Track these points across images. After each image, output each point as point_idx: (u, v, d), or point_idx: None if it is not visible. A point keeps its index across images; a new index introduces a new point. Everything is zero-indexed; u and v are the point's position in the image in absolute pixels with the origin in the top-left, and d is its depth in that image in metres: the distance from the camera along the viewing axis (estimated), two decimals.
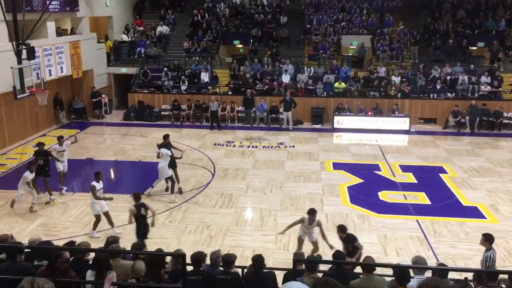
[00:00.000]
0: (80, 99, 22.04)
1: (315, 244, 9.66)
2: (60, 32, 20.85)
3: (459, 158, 16.83)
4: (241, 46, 26.09)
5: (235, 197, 13.23)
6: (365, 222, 11.73)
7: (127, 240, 8.70)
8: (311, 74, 22.75)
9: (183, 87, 22.70)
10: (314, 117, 21.39)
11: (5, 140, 17.60)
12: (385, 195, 13.53)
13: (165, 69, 23.13)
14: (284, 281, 6.00)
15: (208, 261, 6.48)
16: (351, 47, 25.18)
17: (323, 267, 6.89)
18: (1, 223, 11.53)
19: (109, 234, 9.38)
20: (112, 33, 25.36)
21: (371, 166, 16.08)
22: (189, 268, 6.23)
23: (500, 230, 11.36)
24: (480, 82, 21.66)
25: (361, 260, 8.24)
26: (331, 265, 7.04)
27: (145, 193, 13.04)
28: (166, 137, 13.94)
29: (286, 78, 22.41)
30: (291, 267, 6.39)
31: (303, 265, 6.31)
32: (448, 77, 21.97)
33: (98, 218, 11.02)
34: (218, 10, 27.12)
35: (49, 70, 18.62)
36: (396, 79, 21.85)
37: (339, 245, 8.83)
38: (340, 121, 20.68)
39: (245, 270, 6.71)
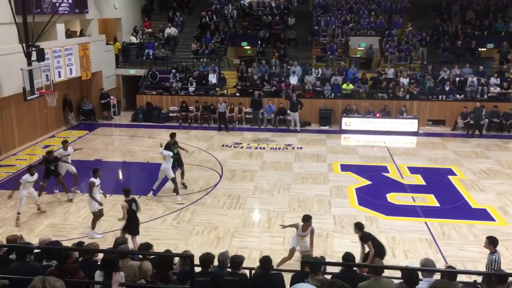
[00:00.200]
0: (89, 100, 22.19)
1: (306, 253, 9.25)
2: (69, 34, 21.00)
3: (468, 160, 16.72)
4: (249, 47, 26.12)
5: (243, 199, 13.24)
6: (373, 224, 11.68)
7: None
8: (319, 75, 22.72)
9: (191, 89, 22.76)
10: (322, 119, 21.37)
11: (15, 141, 17.74)
12: (393, 197, 13.47)
13: (173, 70, 23.21)
14: (292, 283, 5.99)
15: (216, 263, 6.49)
16: (359, 48, 25.12)
17: (332, 270, 6.88)
18: (10, 224, 11.62)
19: (117, 236, 9.42)
20: (121, 35, 25.49)
21: (379, 168, 16.02)
22: (197, 269, 6.24)
23: (509, 232, 11.30)
24: (489, 83, 21.52)
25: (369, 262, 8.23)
26: (341, 268, 7.02)
27: (147, 197, 13.13)
28: (172, 135, 14.04)
29: (293, 80, 22.40)
30: (298, 268, 6.39)
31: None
32: (457, 79, 21.85)
33: (95, 216, 11.10)
34: (226, 11, 27.18)
35: (59, 71, 18.74)
36: (404, 81, 21.76)
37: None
38: (348, 122, 20.63)
39: (253, 271, 6.72)
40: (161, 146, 14.01)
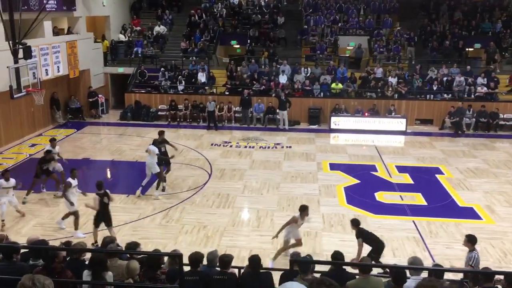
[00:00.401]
0: (76, 98, 22.00)
1: (299, 240, 9.87)
2: (57, 32, 20.81)
3: (455, 159, 16.88)
4: (238, 46, 26.09)
5: (232, 198, 13.23)
6: (362, 223, 11.65)
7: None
8: (308, 74, 22.77)
9: (180, 87, 22.68)
10: (311, 118, 21.42)
11: (1, 140, 17.52)
12: (382, 196, 13.55)
13: (162, 69, 23.11)
14: (281, 282, 6.00)
15: (205, 262, 6.48)
16: (348, 48, 25.23)
17: (322, 268, 6.89)
18: None
19: (105, 235, 9.36)
20: (109, 33, 25.31)
21: (367, 167, 16.11)
22: (186, 268, 6.22)
23: (496, 231, 11.43)
24: (477, 83, 21.74)
25: (358, 260, 8.28)
26: (330, 266, 7.05)
27: (136, 194, 13.09)
28: (161, 133, 14.07)
29: (283, 79, 22.43)
30: (287, 267, 6.40)
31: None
32: (445, 78, 22.04)
33: (76, 215, 11.04)
34: (215, 10, 27.12)
35: (46, 69, 18.56)
36: (393, 80, 21.89)
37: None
38: (337, 121, 20.71)
39: (242, 270, 6.72)
40: (153, 142, 13.99)
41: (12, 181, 11.43)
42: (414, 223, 11.80)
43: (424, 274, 6.35)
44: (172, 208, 12.50)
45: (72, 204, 10.99)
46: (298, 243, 9.86)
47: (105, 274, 5.56)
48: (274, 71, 23.06)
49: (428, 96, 21.79)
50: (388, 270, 7.44)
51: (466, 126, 20.55)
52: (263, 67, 23.61)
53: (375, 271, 7.48)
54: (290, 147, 18.23)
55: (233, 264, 6.50)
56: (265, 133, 20.23)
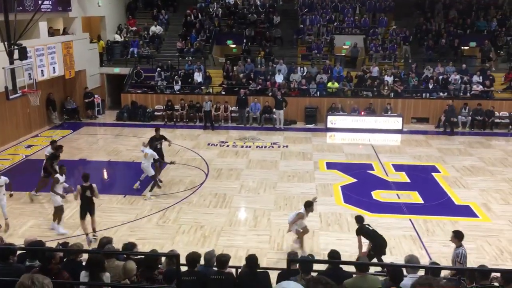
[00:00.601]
0: (72, 99, 21.94)
1: (305, 228, 10.21)
2: (52, 32, 20.75)
3: (451, 157, 16.93)
4: (234, 46, 26.08)
5: (229, 197, 13.23)
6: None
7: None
8: (304, 74, 22.79)
9: (176, 87, 22.65)
10: (308, 117, 21.43)
11: None
12: (378, 195, 13.58)
13: (158, 69, 23.08)
14: (278, 281, 6.01)
15: (202, 262, 6.48)
16: (344, 47, 25.26)
17: (319, 267, 6.91)
18: None
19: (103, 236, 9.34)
20: (105, 33, 25.25)
21: (364, 165, 16.13)
22: (183, 268, 6.23)
23: (492, 228, 11.47)
24: (472, 81, 21.80)
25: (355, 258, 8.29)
26: (327, 265, 7.06)
27: (143, 195, 13.14)
28: (157, 130, 14.34)
29: (279, 78, 22.43)
30: (285, 266, 6.41)
31: (297, 264, 6.34)
32: (440, 77, 22.09)
33: (61, 210, 11.12)
34: (211, 10, 27.09)
35: (41, 70, 18.51)
36: (389, 79, 21.94)
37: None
38: (333, 120, 20.73)
39: (239, 270, 6.72)
40: (143, 144, 13.97)
41: (3, 179, 11.10)
42: (411, 221, 11.82)
43: (421, 272, 6.37)
44: (169, 208, 12.49)
45: (62, 196, 11.20)
46: (305, 230, 10.25)
47: (103, 275, 5.55)
48: (270, 71, 23.06)
49: (424, 94, 21.84)
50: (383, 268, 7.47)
51: (462, 124, 20.62)
52: (259, 66, 23.61)
53: (373, 269, 7.51)
54: (286, 146, 18.24)
55: (230, 263, 6.50)
56: (262, 132, 20.24)
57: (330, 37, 25.19)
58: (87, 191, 10.50)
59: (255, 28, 25.63)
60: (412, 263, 6.50)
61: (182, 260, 6.14)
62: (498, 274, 6.05)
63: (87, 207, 10.64)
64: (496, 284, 5.98)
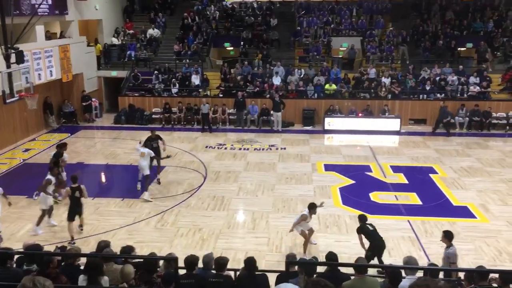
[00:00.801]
0: (70, 103, 21.92)
1: (310, 230, 10.42)
2: (49, 36, 20.73)
3: (449, 158, 16.95)
4: (231, 48, 26.10)
5: (227, 200, 13.22)
6: (357, 223, 11.72)
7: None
8: (302, 76, 22.82)
9: (174, 90, 22.65)
10: (305, 119, 21.45)
11: None
12: (377, 196, 13.59)
13: (156, 72, 23.08)
14: (276, 283, 6.01)
15: (200, 264, 6.48)
16: (341, 49, 25.31)
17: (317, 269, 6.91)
18: None
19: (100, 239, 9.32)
20: (102, 37, 25.24)
21: (362, 167, 16.14)
22: (182, 271, 6.22)
23: (491, 229, 11.48)
24: (469, 82, 21.86)
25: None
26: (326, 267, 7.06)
27: (141, 198, 13.12)
28: (153, 131, 14.49)
29: (277, 80, 22.45)
30: (283, 269, 6.40)
31: (296, 267, 6.33)
32: (437, 78, 22.15)
33: (44, 213, 11.25)
34: (208, 12, 27.12)
35: (39, 74, 18.48)
36: (386, 81, 21.97)
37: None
38: (331, 122, 20.75)
39: (238, 272, 6.72)
40: (140, 143, 14.03)
41: None
42: (409, 223, 11.83)
43: (419, 274, 6.38)
44: (167, 211, 12.47)
45: (55, 197, 11.51)
46: (310, 231, 10.41)
47: (101, 279, 5.54)
48: (268, 73, 23.08)
49: (421, 96, 21.88)
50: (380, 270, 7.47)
51: (459, 125, 20.66)
52: (256, 69, 23.62)
53: (371, 271, 7.51)
54: (284, 148, 18.24)
55: (228, 266, 6.50)
56: (260, 135, 20.23)
57: (327, 39, 25.22)
58: (76, 192, 10.67)
59: (252, 31, 25.67)
60: (410, 265, 6.51)
61: (181, 263, 6.14)
62: (497, 275, 6.05)
63: (76, 209, 10.82)
64: (494, 285, 5.98)
